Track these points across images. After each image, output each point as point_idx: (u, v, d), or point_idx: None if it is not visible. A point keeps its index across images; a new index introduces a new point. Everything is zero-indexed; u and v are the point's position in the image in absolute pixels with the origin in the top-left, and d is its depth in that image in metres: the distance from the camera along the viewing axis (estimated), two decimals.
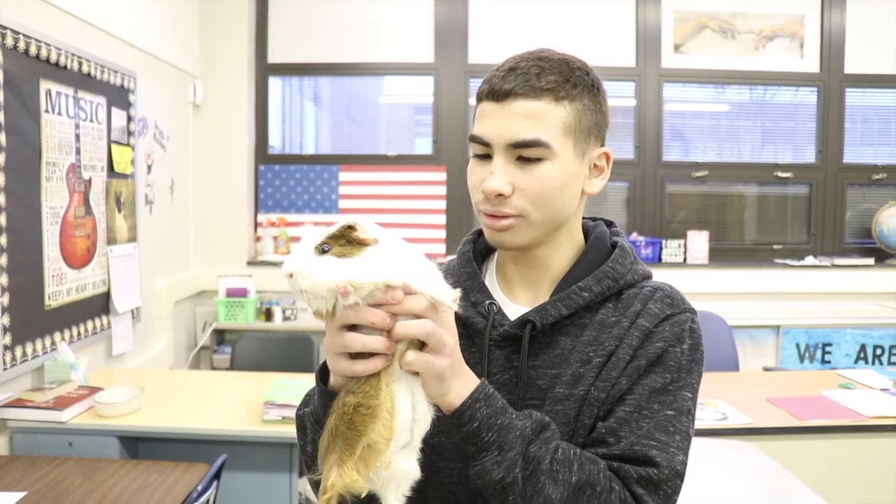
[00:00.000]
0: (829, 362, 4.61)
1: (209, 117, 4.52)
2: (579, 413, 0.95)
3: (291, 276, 0.79)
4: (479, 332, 1.01)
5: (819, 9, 4.88)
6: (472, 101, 4.81)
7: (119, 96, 3.42)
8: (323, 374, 0.93)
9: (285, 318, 4.42)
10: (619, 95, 4.86)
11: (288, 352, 3.63)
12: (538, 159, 0.95)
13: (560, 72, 0.95)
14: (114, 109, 3.37)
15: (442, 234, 4.79)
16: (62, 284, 2.93)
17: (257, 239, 4.71)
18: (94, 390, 2.71)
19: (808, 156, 4.98)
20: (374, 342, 0.80)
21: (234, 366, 3.63)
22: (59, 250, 2.91)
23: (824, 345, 4.61)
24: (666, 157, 4.89)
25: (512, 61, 0.97)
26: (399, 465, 0.83)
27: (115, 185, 3.39)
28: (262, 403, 2.60)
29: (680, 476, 0.91)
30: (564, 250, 1.05)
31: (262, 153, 4.78)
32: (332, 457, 0.81)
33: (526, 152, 0.95)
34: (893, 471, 2.52)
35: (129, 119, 3.53)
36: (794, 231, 5.03)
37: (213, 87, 4.52)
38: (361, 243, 0.80)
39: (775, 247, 4.96)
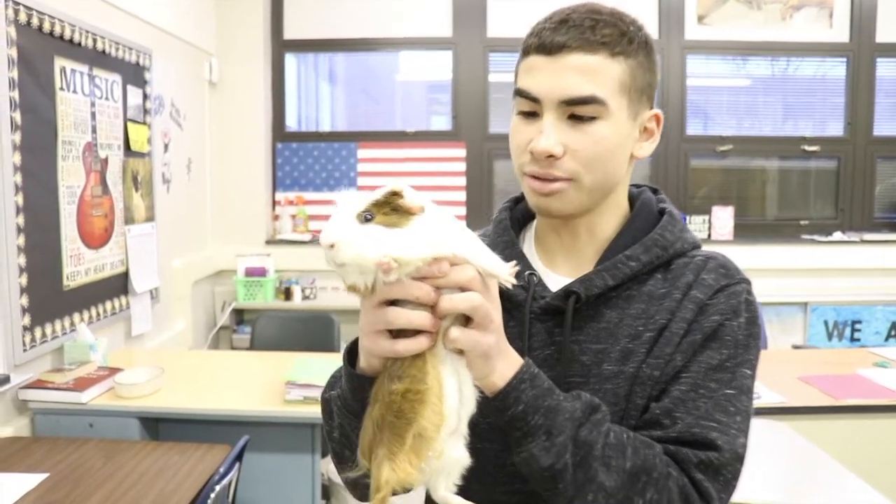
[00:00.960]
0: (858, 340, 4.52)
1: (225, 95, 4.47)
2: (630, 392, 0.89)
3: (332, 246, 0.71)
4: (519, 305, 0.95)
5: None
6: (492, 77, 4.75)
7: (134, 74, 3.37)
8: (350, 355, 0.87)
9: (305, 297, 4.39)
10: None
11: (308, 331, 3.60)
12: (592, 118, 0.88)
13: (615, 25, 0.89)
14: (129, 87, 3.32)
15: (462, 210, 4.73)
16: (80, 265, 2.90)
17: (275, 218, 4.66)
18: (113, 371, 2.68)
19: (836, 129, 4.85)
20: (421, 318, 0.74)
21: (253, 345, 3.60)
22: (76, 230, 2.87)
23: (853, 322, 4.51)
24: (689, 131, 4.78)
25: (562, 13, 0.90)
26: (449, 452, 0.77)
27: (132, 164, 3.35)
28: (283, 383, 2.56)
29: (741, 460, 0.85)
30: (610, 218, 0.98)
31: (280, 131, 4.73)
32: (381, 451, 0.74)
33: (579, 110, 0.88)
34: None
35: (145, 97, 3.48)
36: (822, 206, 4.91)
37: (230, 64, 4.46)
38: (407, 212, 0.73)
39: (802, 222, 4.85)
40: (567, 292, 0.92)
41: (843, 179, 4.84)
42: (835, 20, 4.75)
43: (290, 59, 4.78)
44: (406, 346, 0.75)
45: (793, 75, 4.93)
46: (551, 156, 0.89)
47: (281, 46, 4.67)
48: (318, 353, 3.18)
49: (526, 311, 0.94)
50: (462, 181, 4.72)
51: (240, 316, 4.48)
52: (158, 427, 2.61)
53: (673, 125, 4.72)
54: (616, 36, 0.88)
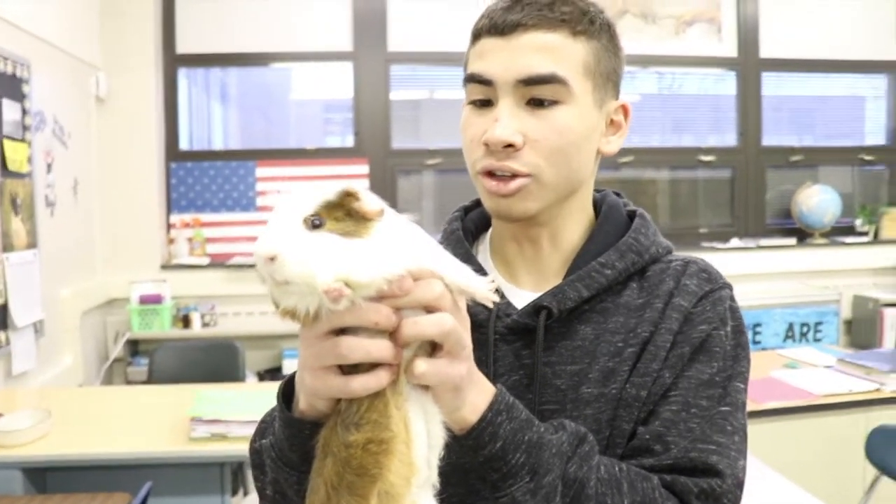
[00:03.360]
0: (759, 342, 4.65)
1: (114, 112, 4.17)
2: (614, 417, 0.79)
3: (273, 259, 0.57)
4: (480, 325, 0.82)
5: None
6: (394, 95, 4.65)
7: (10, 86, 3.08)
8: (285, 394, 0.73)
9: (204, 325, 4.15)
10: None
11: (211, 361, 3.37)
12: (553, 102, 0.79)
13: (574, 3, 0.80)
14: (5, 101, 3.03)
15: None
16: None
17: (170, 241, 4.39)
18: None
19: (729, 140, 5.03)
20: (382, 349, 0.60)
21: (152, 379, 3.34)
22: None
23: (754, 325, 4.65)
24: None
25: None
26: None
27: (10, 186, 3.05)
28: (187, 420, 2.36)
29: (741, 486, 0.77)
30: (576, 224, 0.88)
31: (173, 150, 4.47)
32: None
33: (539, 91, 0.78)
34: (854, 446, 2.49)
35: (24, 112, 3.19)
36: (718, 214, 5.07)
37: (118, 79, 4.17)
38: (363, 217, 0.60)
39: (701, 230, 4.99)
40: (536, 307, 0.81)
41: (738, 188, 5.02)
42: (723, 35, 4.93)
43: (184, 74, 4.54)
44: (364, 383, 0.61)
45: (690, 87, 5.09)
46: (510, 146, 0.78)
47: (173, 61, 4.43)
48: (224, 383, 2.97)
49: (490, 332, 0.82)
50: None
51: (135, 347, 4.18)
52: (46, 478, 2.33)
53: None
54: (577, 14, 0.80)
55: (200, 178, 4.48)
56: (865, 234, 5.04)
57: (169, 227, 4.43)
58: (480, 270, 0.87)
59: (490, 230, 0.95)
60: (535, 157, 0.79)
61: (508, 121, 0.78)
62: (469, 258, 0.88)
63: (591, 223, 0.91)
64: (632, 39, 4.81)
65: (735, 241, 4.84)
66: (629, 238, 0.86)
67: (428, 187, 4.74)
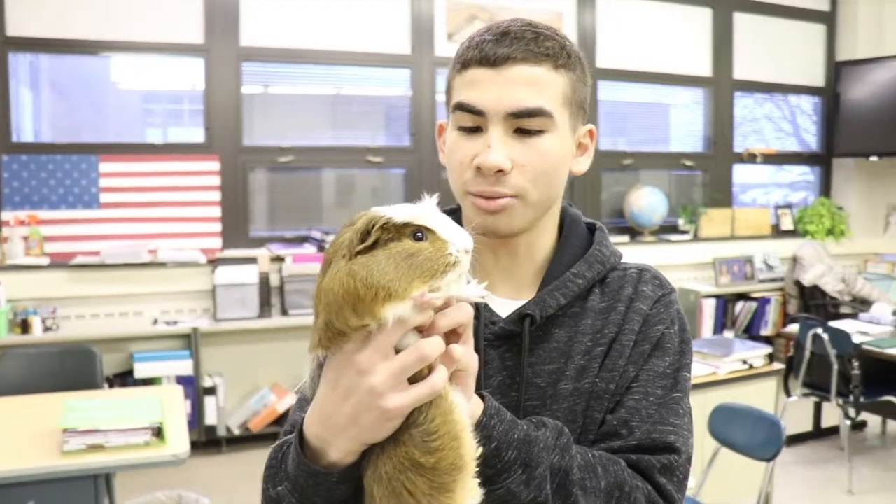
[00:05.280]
0: None
1: None
2: (587, 407, 0.89)
3: (468, 252, 0.73)
4: None
5: (574, 6, 5.28)
6: (247, 88, 4.55)
7: None
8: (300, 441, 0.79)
9: (46, 329, 3.89)
10: (394, 83, 4.98)
11: (65, 368, 3.15)
12: (539, 131, 0.88)
13: (554, 38, 0.89)
14: None
15: (217, 227, 4.49)
16: None
17: (3, 240, 4.06)
18: None
19: None
20: (440, 343, 0.71)
21: None
22: None
23: None
24: None
25: (499, 26, 0.89)
26: (475, 486, 0.73)
27: None
28: (56, 432, 2.23)
29: (690, 460, 0.90)
30: (547, 236, 0.98)
31: (5, 141, 4.12)
32: None
33: (527, 123, 0.87)
34: (698, 424, 2.79)
35: None
36: None
37: None
38: None
39: None
40: (521, 315, 0.91)
41: (577, 189, 5.37)
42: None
43: (18, 59, 4.20)
44: (441, 377, 0.70)
45: None
46: (500, 171, 0.86)
47: (4, 44, 4.08)
48: (87, 391, 2.82)
49: (480, 338, 0.90)
50: (216, 196, 4.48)
51: None
52: None
53: (425, 139, 4.89)
54: (557, 48, 0.89)
55: (37, 172, 4.17)
56: (687, 232, 5.58)
57: (1, 224, 4.09)
58: None
59: None
60: (522, 180, 0.88)
61: (500, 147, 0.86)
62: None
63: (556, 235, 1.01)
64: None
65: None
66: (594, 250, 0.97)
67: (261, 184, 4.68)
